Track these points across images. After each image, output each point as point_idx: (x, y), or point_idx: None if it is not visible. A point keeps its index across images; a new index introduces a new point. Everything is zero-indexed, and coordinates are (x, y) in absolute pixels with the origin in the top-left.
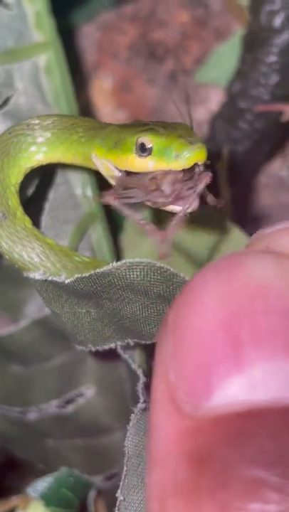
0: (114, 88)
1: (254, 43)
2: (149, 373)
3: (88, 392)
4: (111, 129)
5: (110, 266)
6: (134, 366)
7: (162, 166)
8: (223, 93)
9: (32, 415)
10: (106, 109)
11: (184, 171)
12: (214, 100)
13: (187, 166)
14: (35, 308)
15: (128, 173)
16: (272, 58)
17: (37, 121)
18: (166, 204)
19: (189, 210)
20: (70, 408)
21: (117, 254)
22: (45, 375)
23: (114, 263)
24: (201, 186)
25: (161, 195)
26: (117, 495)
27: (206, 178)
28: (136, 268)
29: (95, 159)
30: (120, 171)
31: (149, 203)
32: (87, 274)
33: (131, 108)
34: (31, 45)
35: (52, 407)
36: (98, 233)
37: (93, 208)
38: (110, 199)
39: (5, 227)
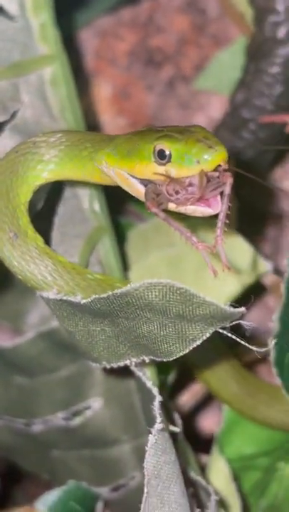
0: (114, 95)
1: (258, 53)
2: (161, 389)
3: (95, 404)
4: (122, 138)
5: (128, 286)
6: (148, 384)
7: (183, 172)
8: (224, 100)
9: (37, 427)
10: (105, 116)
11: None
12: (214, 107)
13: (209, 170)
14: (37, 317)
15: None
16: (276, 69)
17: (43, 139)
18: (191, 204)
19: (225, 212)
20: (77, 420)
21: (124, 267)
22: (50, 386)
23: (132, 284)
24: (228, 188)
25: (187, 195)
26: None
27: (230, 179)
28: (155, 288)
29: (105, 168)
30: (138, 179)
31: (173, 207)
32: (104, 295)
33: (130, 115)
34: (36, 58)
35: (58, 418)
36: (106, 247)
37: (101, 222)
38: (154, 210)
39: (17, 246)
